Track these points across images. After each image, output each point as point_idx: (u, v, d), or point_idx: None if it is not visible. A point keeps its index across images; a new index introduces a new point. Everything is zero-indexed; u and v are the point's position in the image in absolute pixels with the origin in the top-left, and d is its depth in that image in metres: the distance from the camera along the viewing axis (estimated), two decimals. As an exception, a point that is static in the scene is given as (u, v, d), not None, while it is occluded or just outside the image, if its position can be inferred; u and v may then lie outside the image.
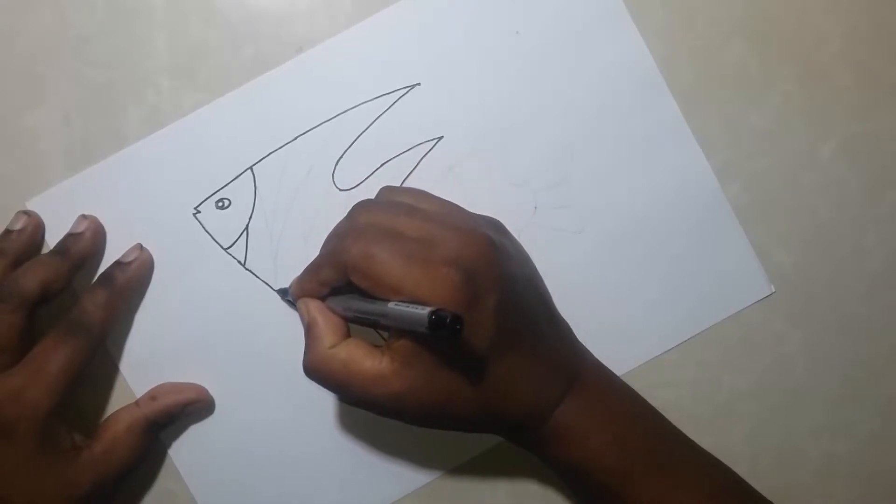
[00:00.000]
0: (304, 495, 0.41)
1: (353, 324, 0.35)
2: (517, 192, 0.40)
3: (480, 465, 0.41)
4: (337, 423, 0.41)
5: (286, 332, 0.40)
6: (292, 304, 0.39)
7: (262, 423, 0.40)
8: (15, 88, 0.40)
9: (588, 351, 0.38)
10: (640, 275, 0.41)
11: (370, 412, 0.34)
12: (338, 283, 0.34)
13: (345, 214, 0.36)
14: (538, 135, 0.40)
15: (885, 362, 0.42)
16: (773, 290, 0.41)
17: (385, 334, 0.38)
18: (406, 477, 0.41)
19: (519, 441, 0.37)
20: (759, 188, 0.41)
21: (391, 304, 0.31)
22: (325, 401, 0.40)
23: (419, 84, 0.40)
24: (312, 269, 0.36)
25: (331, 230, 0.36)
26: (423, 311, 0.29)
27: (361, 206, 0.36)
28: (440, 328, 0.29)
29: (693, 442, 0.37)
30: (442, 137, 0.40)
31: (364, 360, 0.33)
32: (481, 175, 0.40)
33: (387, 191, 0.38)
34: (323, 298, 0.36)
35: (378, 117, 0.40)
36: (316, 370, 0.34)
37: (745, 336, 0.42)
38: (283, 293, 0.40)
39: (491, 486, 0.41)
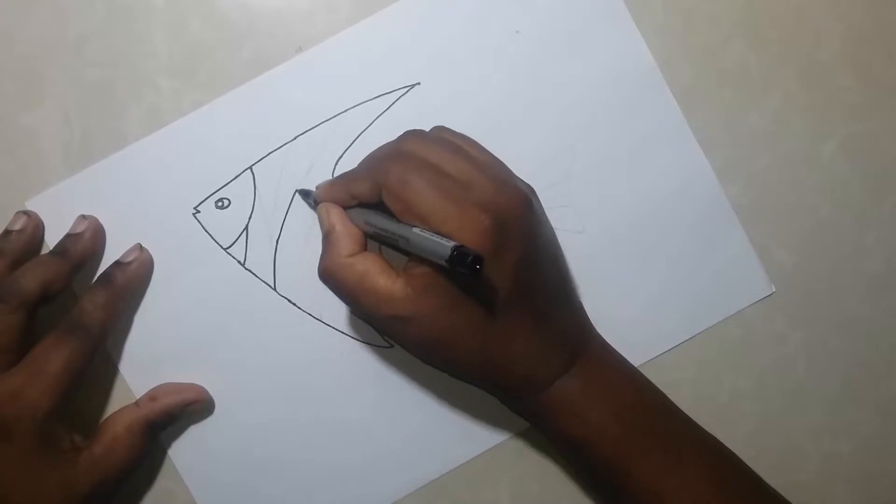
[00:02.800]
0: (303, 495, 0.41)
1: (370, 240, 0.36)
2: (517, 191, 0.40)
3: (480, 465, 0.41)
4: (336, 423, 0.41)
5: (286, 332, 0.40)
6: (312, 206, 0.39)
7: (261, 424, 0.40)
8: (15, 88, 0.40)
9: (597, 332, 0.39)
10: (641, 274, 0.41)
11: (372, 327, 0.35)
12: (368, 198, 0.35)
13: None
14: (538, 134, 0.40)
15: (885, 362, 0.42)
16: (774, 290, 0.41)
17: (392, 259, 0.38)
18: (406, 477, 0.41)
19: (517, 408, 0.37)
20: (759, 188, 0.41)
21: (415, 230, 0.32)
22: (325, 401, 0.40)
23: (419, 83, 0.40)
24: (346, 178, 0.36)
25: (374, 149, 0.37)
26: (447, 244, 0.30)
27: (411, 134, 0.36)
28: (460, 264, 0.29)
29: (698, 425, 0.37)
30: (442, 137, 0.40)
31: (379, 276, 0.34)
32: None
33: (439, 129, 0.38)
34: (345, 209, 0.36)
35: (378, 117, 0.40)
36: (331, 275, 0.35)
37: (745, 336, 0.42)
38: (304, 194, 0.39)
39: (491, 486, 0.41)
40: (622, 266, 0.41)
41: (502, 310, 0.33)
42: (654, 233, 0.41)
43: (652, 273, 0.41)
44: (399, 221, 0.33)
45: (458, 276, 0.31)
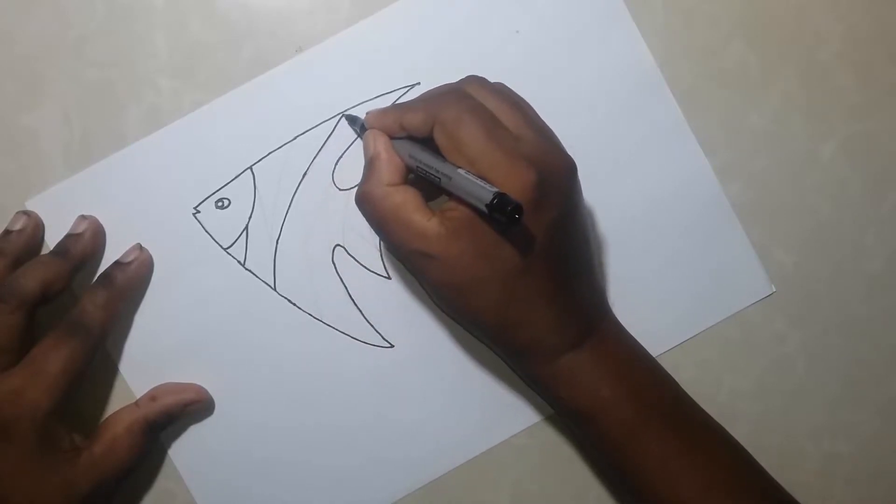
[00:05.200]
0: (303, 495, 0.41)
1: (412, 173, 0.36)
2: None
3: (480, 465, 0.41)
4: (337, 423, 0.41)
5: (286, 332, 0.40)
6: (358, 132, 0.39)
7: (261, 424, 0.40)
8: (15, 88, 0.40)
9: (613, 313, 0.39)
10: (640, 274, 0.41)
11: (397, 259, 0.35)
12: (418, 132, 0.35)
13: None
14: (538, 135, 0.40)
15: (885, 362, 0.42)
16: (774, 290, 0.41)
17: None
18: (406, 477, 0.41)
19: (526, 374, 0.37)
20: (759, 188, 0.41)
21: (460, 171, 0.32)
22: (325, 401, 0.40)
23: (419, 83, 0.40)
24: (401, 108, 0.36)
25: (433, 88, 0.37)
26: (491, 189, 0.30)
27: (475, 80, 0.36)
28: (499, 211, 0.29)
29: (704, 412, 0.37)
30: (442, 137, 0.40)
31: (415, 211, 0.34)
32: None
33: (500, 83, 0.38)
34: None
35: (378, 117, 0.40)
36: (368, 201, 0.35)
37: (745, 336, 0.41)
38: (351, 120, 0.40)
39: (491, 486, 0.41)
40: (622, 266, 0.41)
41: (529, 268, 0.33)
42: (654, 233, 0.41)
43: (652, 272, 0.41)
44: (444, 160, 0.33)
45: (495, 223, 0.32)
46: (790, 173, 0.41)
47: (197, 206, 0.40)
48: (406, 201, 0.34)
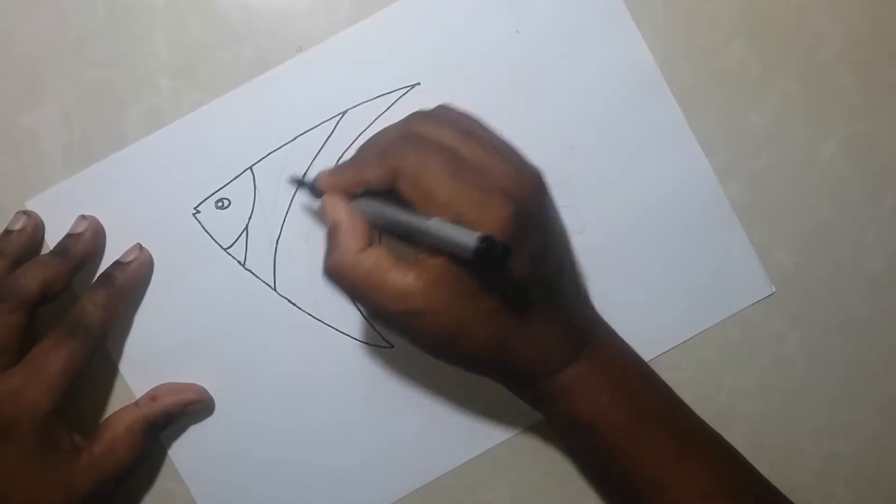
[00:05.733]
0: (303, 495, 0.41)
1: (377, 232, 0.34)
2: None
3: (480, 465, 0.41)
4: (337, 423, 0.41)
5: (286, 332, 0.40)
6: (311, 195, 0.37)
7: (261, 424, 0.40)
8: (15, 88, 0.40)
9: (603, 319, 0.38)
10: (640, 274, 0.41)
11: (380, 325, 0.33)
12: (379, 185, 0.33)
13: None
14: (538, 135, 0.40)
15: (885, 362, 0.42)
16: (774, 290, 0.41)
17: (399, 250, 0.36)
18: (406, 477, 0.41)
19: (522, 394, 0.37)
20: (759, 188, 0.41)
21: (434, 221, 0.30)
22: (325, 401, 0.40)
23: (419, 84, 0.40)
24: (354, 165, 0.34)
25: (376, 133, 0.35)
26: (473, 234, 0.28)
27: (420, 116, 0.35)
28: (487, 255, 0.27)
29: (701, 418, 0.37)
30: (442, 137, 0.40)
31: (390, 271, 0.32)
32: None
33: (445, 108, 0.36)
34: (351, 199, 0.34)
35: (378, 117, 0.40)
36: (338, 274, 0.33)
37: (745, 336, 0.41)
38: (301, 183, 0.37)
39: (491, 487, 0.41)
40: (622, 266, 0.41)
41: (518, 299, 0.32)
42: (654, 233, 0.41)
43: (652, 273, 0.41)
44: (412, 211, 0.31)
45: (481, 267, 0.30)
46: (790, 173, 0.41)
47: (197, 207, 0.40)
48: (378, 264, 0.32)
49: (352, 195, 0.34)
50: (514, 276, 0.32)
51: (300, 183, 0.37)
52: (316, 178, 0.35)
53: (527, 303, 0.33)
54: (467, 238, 0.28)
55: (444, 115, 0.35)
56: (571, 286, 0.36)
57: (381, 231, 0.33)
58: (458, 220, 0.30)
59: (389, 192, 0.32)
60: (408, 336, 0.34)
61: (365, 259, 0.32)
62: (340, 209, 0.33)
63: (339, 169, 0.35)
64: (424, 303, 0.32)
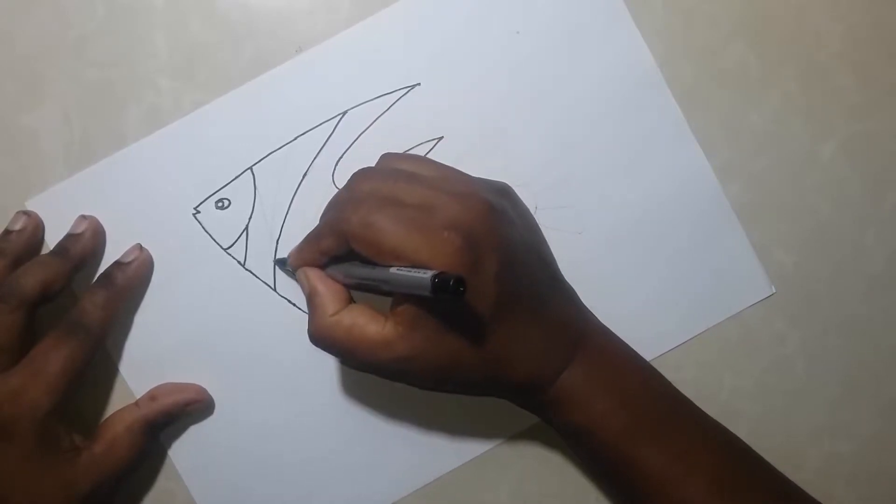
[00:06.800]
0: (303, 496, 0.41)
1: (355, 290, 0.35)
2: (518, 192, 0.40)
3: (480, 465, 0.41)
4: (336, 424, 0.41)
5: (286, 332, 0.40)
6: (291, 273, 0.39)
7: (261, 424, 0.40)
8: (15, 88, 0.40)
9: (594, 316, 0.38)
10: (641, 275, 0.41)
11: (376, 376, 0.34)
12: (338, 251, 0.34)
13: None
14: (538, 135, 0.40)
15: (885, 362, 0.42)
16: (774, 291, 0.41)
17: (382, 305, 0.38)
18: (406, 477, 0.41)
19: (524, 405, 0.37)
20: (759, 188, 0.41)
21: (393, 270, 0.31)
22: (325, 401, 0.40)
23: (419, 84, 0.40)
24: (312, 239, 0.36)
25: (330, 199, 0.36)
26: (426, 275, 0.29)
27: (360, 175, 0.36)
28: (443, 291, 0.29)
29: (702, 411, 0.37)
30: (442, 138, 0.40)
31: (368, 325, 0.33)
32: (481, 175, 0.40)
33: (386, 158, 0.37)
34: (323, 267, 0.36)
35: (378, 117, 0.40)
36: (321, 338, 0.35)
37: (745, 336, 0.42)
38: (281, 263, 0.40)
39: (491, 487, 0.41)
40: (622, 266, 0.41)
41: (494, 320, 0.33)
42: (654, 233, 0.41)
43: (652, 273, 0.41)
44: (375, 265, 0.33)
45: (445, 302, 0.31)
46: (790, 173, 0.41)
47: (197, 207, 0.40)
48: (355, 321, 0.34)
49: (320, 265, 0.36)
50: (482, 300, 0.33)
51: (280, 264, 0.40)
52: (287, 258, 0.38)
53: (504, 321, 0.33)
54: (422, 279, 0.30)
55: (383, 167, 0.37)
56: (552, 289, 0.36)
57: (356, 289, 0.35)
58: (414, 264, 0.31)
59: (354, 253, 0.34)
60: (406, 380, 0.35)
61: (342, 319, 0.34)
62: (313, 279, 0.36)
63: (301, 246, 0.37)
64: (407, 346, 0.33)
